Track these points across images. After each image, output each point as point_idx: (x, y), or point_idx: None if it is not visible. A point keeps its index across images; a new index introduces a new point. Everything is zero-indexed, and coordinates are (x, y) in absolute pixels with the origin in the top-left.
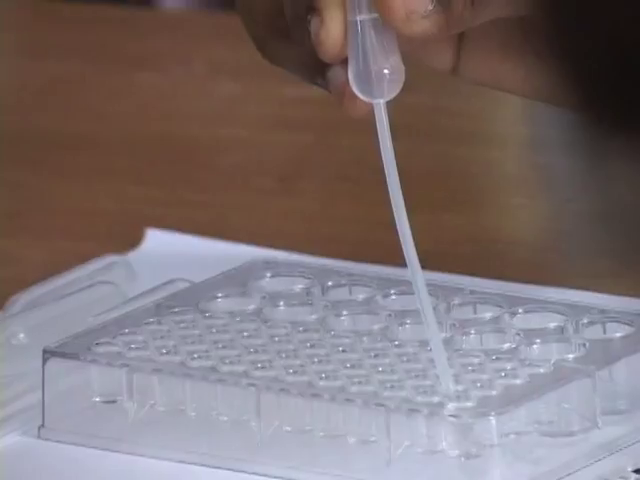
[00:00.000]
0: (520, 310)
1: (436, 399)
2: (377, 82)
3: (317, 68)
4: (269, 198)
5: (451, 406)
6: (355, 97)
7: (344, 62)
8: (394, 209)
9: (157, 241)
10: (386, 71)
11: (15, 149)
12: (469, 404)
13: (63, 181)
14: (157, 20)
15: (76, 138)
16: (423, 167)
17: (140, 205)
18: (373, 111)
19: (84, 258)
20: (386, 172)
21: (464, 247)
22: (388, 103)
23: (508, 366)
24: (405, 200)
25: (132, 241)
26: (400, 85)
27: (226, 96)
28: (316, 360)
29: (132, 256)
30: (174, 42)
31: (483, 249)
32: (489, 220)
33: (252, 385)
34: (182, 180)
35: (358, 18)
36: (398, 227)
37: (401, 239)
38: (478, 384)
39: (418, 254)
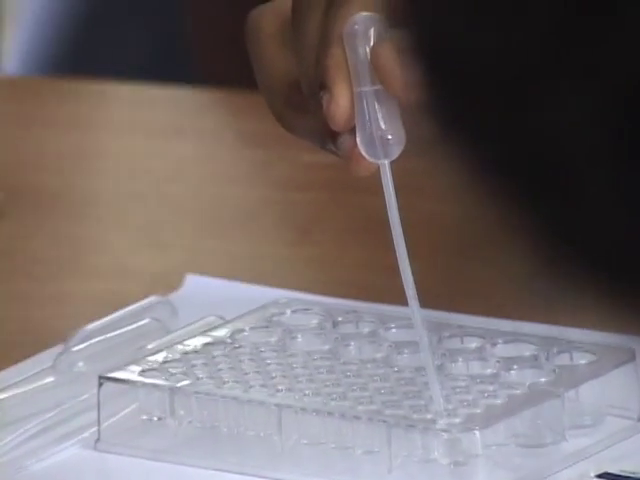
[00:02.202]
0: (500, 341)
1: (429, 416)
2: (381, 146)
3: (328, 135)
4: (290, 248)
5: (442, 422)
6: (362, 159)
7: (352, 129)
8: (397, 253)
9: (195, 284)
10: (389, 136)
11: (74, 206)
12: (457, 420)
13: (116, 233)
14: (195, 98)
15: (123, 196)
16: (416, 220)
17: (180, 254)
18: (378, 171)
19: (133, 298)
20: (390, 222)
21: (454, 288)
22: (391, 163)
23: (490, 388)
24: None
25: (173, 284)
26: (401, 147)
27: (253, 161)
28: (329, 384)
29: (173, 297)
30: (208, 116)
31: (469, 290)
32: (474, 266)
33: (275, 405)
34: (216, 232)
35: (362, 90)
36: (401, 270)
37: (403, 281)
38: (465, 403)
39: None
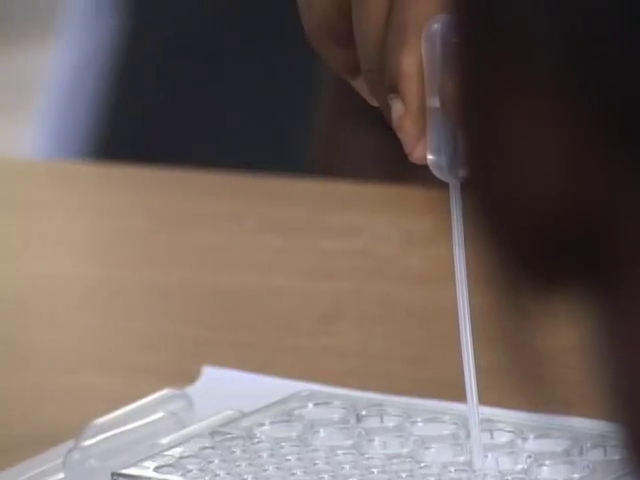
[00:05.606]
0: (531, 435)
1: None
2: (455, 165)
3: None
4: (310, 338)
5: None
6: (408, 133)
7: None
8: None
9: (212, 376)
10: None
11: (84, 294)
12: None
13: (129, 323)
14: (213, 183)
15: (138, 285)
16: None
17: (197, 346)
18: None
19: (148, 391)
20: (454, 250)
21: (481, 380)
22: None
23: None
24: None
25: (190, 377)
26: None
27: (272, 249)
28: None
29: (190, 390)
30: (227, 201)
31: (497, 381)
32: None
33: None
34: (234, 323)
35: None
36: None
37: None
38: None
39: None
